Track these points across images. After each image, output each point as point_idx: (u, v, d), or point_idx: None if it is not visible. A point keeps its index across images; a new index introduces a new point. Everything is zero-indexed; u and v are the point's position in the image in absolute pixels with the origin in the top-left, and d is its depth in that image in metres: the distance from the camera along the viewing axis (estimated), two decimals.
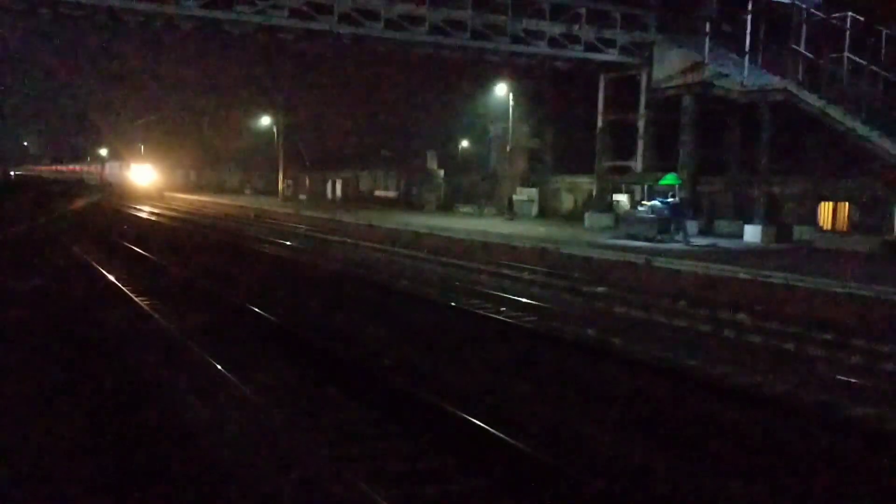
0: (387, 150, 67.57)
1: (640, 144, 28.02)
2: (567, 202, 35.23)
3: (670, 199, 24.49)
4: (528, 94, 36.44)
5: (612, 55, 27.50)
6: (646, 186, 26.49)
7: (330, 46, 28.31)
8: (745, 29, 25.28)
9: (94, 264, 18.58)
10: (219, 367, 8.97)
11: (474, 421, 7.01)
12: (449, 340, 11.61)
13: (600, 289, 16.70)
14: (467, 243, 25.04)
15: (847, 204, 24.58)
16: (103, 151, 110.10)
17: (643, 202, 25.86)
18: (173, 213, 44.73)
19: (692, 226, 25.53)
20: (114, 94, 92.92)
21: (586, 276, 18.55)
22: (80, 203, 50.68)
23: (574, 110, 36.24)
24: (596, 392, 8.96)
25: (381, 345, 10.99)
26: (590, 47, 27.17)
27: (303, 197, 54.75)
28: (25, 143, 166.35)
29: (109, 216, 40.08)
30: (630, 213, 26.25)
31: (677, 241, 23.65)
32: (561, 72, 30.37)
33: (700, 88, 26.14)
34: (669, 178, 24.86)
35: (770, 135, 24.26)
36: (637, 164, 28.25)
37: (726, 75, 26.09)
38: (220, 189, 71.12)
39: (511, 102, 32.19)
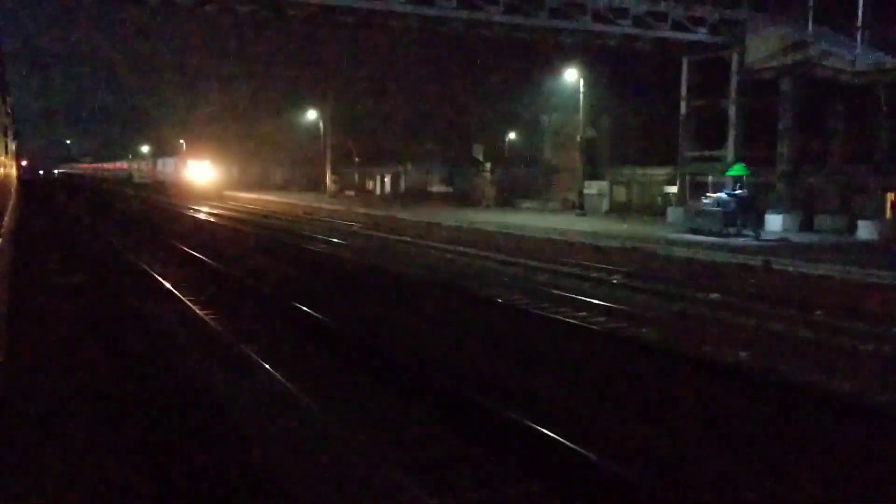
0: (433, 144, 65.81)
1: (732, 133, 25.59)
2: (638, 195, 32.86)
3: (738, 192, 23.20)
4: (598, 81, 34.07)
5: (700, 34, 25.17)
6: (730, 179, 24.39)
7: (392, 31, 26.35)
8: (854, 2, 22.77)
9: (178, 294, 16.89)
10: (316, 410, 7.07)
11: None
12: (575, 368, 9.59)
13: (722, 297, 14.52)
14: (546, 243, 23.01)
15: None
16: (145, 148, 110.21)
17: (707, 194, 24.41)
18: (237, 214, 40.75)
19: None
20: (164, 89, 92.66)
21: (703, 281, 16.36)
22: (139, 205, 47.79)
23: (643, 97, 33.98)
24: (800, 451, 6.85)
25: (492, 374, 9.01)
26: (677, 26, 24.89)
27: (350, 193, 53.02)
28: (67, 142, 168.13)
29: (182, 223, 34.83)
30: (693, 205, 24.98)
31: (746, 236, 22.02)
32: (634, 55, 28.17)
33: (803, 69, 23.68)
34: (736, 169, 23.57)
35: (891, 121, 21.75)
36: (728, 154, 25.85)
37: (830, 54, 23.63)
38: (266, 186, 69.25)
39: (582, 90, 29.81)
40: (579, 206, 30.17)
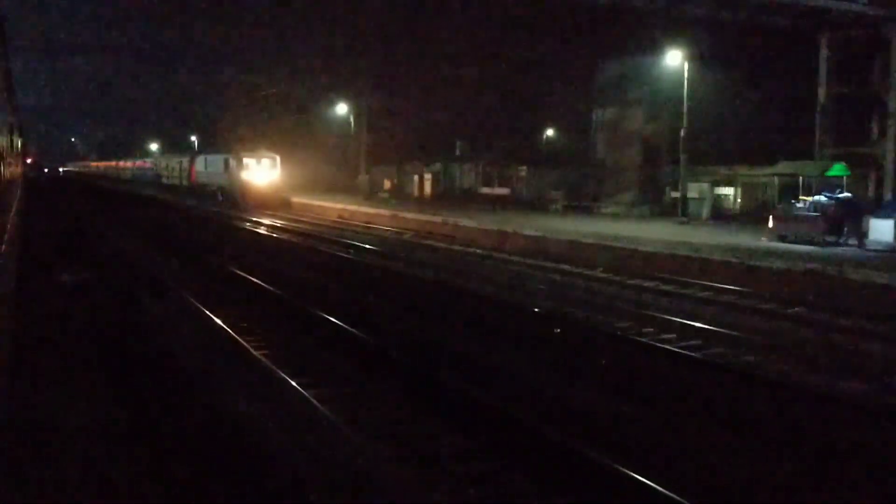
0: (464, 141, 61.65)
1: (894, 125, 21.41)
2: (745, 199, 28.58)
3: (840, 195, 21.14)
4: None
5: (857, 5, 21.01)
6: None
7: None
8: None
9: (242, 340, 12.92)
10: None
11: None
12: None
13: None
14: (665, 260, 18.91)
15: None
16: (154, 146, 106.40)
17: (801, 198, 22.13)
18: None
19: None
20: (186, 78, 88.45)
21: None
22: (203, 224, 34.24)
23: (738, 83, 29.84)
24: None
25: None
26: None
27: (383, 195, 49.00)
28: (73, 139, 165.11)
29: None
30: (784, 210, 22.43)
31: (849, 245, 20.06)
32: (723, 32, 24.07)
33: None
34: (837, 169, 21.79)
35: None
36: (891, 150, 21.68)
37: None
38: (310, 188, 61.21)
39: (685, 74, 25.59)
40: (682, 213, 25.98)
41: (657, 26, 27.07)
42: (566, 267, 19.82)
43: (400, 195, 48.80)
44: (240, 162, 44.19)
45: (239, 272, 16.98)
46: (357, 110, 50.58)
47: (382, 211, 36.57)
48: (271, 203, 41.91)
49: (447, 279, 17.80)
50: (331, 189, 53.45)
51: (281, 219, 36.66)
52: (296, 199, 44.69)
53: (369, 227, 33.06)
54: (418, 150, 55.47)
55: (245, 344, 10.20)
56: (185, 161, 58.79)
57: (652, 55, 42.90)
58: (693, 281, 16.94)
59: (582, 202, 36.38)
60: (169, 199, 53.22)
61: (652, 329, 12.34)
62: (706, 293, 15.68)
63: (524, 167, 45.72)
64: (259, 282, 15.55)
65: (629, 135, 45.11)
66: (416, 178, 50.24)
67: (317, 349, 10.54)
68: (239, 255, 20.23)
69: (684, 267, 18.53)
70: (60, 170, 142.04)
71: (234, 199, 44.09)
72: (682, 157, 25.62)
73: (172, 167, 63.69)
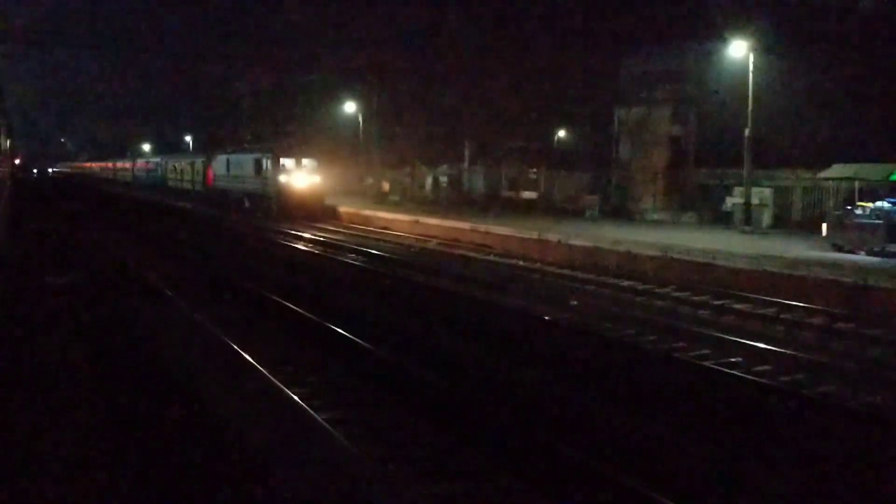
0: (471, 140, 59.30)
1: None
2: (804, 204, 26.41)
3: None
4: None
5: None
6: None
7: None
8: None
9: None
10: None
11: None
12: None
13: None
14: (755, 277, 16.74)
15: None
16: (146, 146, 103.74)
17: (860, 203, 20.53)
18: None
19: None
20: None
21: None
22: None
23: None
24: None
25: None
26: None
27: (395, 198, 46.67)
28: (63, 140, 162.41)
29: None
30: (837, 217, 20.84)
31: None
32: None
33: None
34: None
35: None
36: None
37: None
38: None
39: (751, 67, 23.35)
40: (746, 221, 23.75)
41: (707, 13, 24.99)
42: (629, 283, 17.73)
43: (413, 199, 46.51)
44: (277, 164, 37.61)
45: (297, 309, 14.66)
46: (366, 107, 48.30)
47: (401, 216, 34.27)
48: (313, 212, 36.50)
49: (514, 304, 15.62)
50: (334, 192, 50.92)
51: (324, 231, 32.07)
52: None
53: (385, 233, 30.84)
54: (430, 153, 53.18)
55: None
56: (199, 162, 51.77)
57: (690, 48, 41.09)
58: (802, 304, 14.78)
59: (617, 207, 34.13)
60: (183, 206, 46.48)
61: (802, 376, 10.19)
62: (844, 324, 13.42)
63: (542, 170, 43.45)
64: (318, 320, 13.33)
65: (657, 136, 43.10)
66: (429, 180, 47.92)
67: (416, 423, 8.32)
68: (297, 287, 16.28)
69: (775, 285, 16.37)
70: (49, 170, 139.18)
71: (266, 208, 38.26)
72: (747, 157, 23.44)
73: (182, 169, 56.80)
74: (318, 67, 57.14)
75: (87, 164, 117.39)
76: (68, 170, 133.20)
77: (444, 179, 46.84)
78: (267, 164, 38.53)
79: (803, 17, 23.29)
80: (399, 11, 52.27)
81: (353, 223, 35.68)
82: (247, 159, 41.68)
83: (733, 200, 25.76)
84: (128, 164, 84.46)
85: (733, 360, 10.97)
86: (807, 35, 24.40)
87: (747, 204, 23.59)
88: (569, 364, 10.60)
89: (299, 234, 29.94)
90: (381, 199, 45.23)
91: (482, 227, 27.85)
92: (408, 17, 53.02)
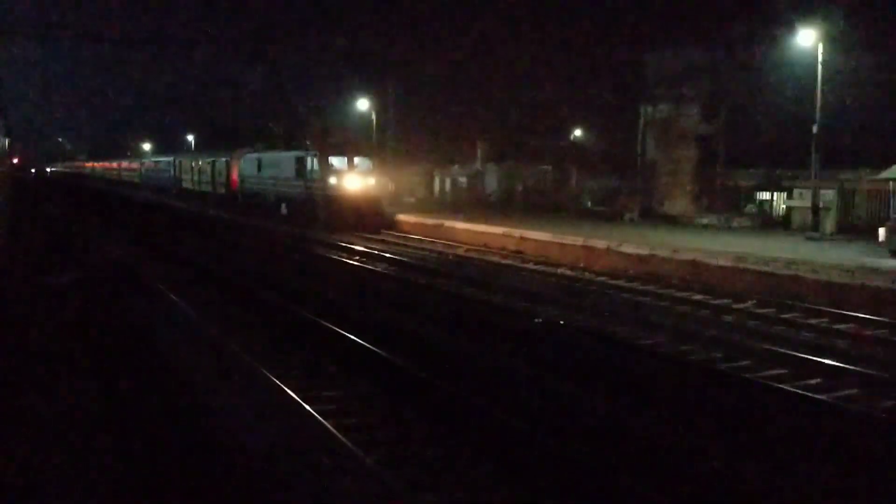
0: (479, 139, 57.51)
1: None
2: (872, 208, 24.41)
3: None
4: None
5: None
6: None
7: None
8: None
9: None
10: None
11: None
12: None
13: None
14: (867, 294, 14.87)
15: None
16: (147, 146, 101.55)
17: None
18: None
19: None
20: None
21: None
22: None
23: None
24: None
25: None
26: None
27: (410, 199, 44.75)
28: (60, 139, 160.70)
29: None
30: None
31: None
32: None
33: None
34: None
35: None
36: None
37: None
38: None
39: (819, 57, 21.43)
40: (812, 226, 21.86)
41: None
42: (699, 297, 15.92)
43: (426, 201, 44.57)
44: (326, 164, 32.26)
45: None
46: (380, 103, 46.47)
47: (427, 220, 32.16)
48: (369, 221, 31.39)
49: (585, 323, 13.76)
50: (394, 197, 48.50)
51: (385, 243, 28.03)
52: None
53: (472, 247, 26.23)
54: (444, 152, 51.33)
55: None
56: (221, 161, 46.08)
57: (721, 40, 39.28)
58: None
59: (653, 209, 32.30)
60: (211, 213, 40.65)
61: None
62: None
63: (572, 171, 41.65)
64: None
65: (683, 135, 41.36)
66: (447, 181, 46.02)
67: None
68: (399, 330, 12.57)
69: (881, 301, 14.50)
70: (48, 170, 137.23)
71: (310, 215, 32.89)
72: (815, 156, 21.56)
73: (201, 169, 50.47)
74: (330, 58, 55.18)
75: (89, 164, 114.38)
76: (68, 170, 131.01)
77: (462, 180, 44.88)
78: (313, 163, 32.98)
79: (866, 5, 21.52)
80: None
81: (413, 233, 30.80)
82: (285, 158, 36.24)
83: (792, 203, 23.89)
84: (135, 165, 78.45)
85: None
86: (874, 25, 22.54)
87: (815, 208, 21.71)
88: (667, 399, 8.81)
89: (365, 248, 25.28)
90: (393, 201, 43.27)
91: (516, 233, 25.99)
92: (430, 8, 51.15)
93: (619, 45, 48.31)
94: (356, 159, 32.76)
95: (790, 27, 22.99)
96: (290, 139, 44.21)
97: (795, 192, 24.27)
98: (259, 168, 39.18)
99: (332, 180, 31.82)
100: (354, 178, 32.02)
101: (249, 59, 67.18)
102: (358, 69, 51.74)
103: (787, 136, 30.06)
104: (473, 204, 40.64)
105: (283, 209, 35.69)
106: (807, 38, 21.75)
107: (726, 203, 31.61)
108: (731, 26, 35.11)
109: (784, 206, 24.98)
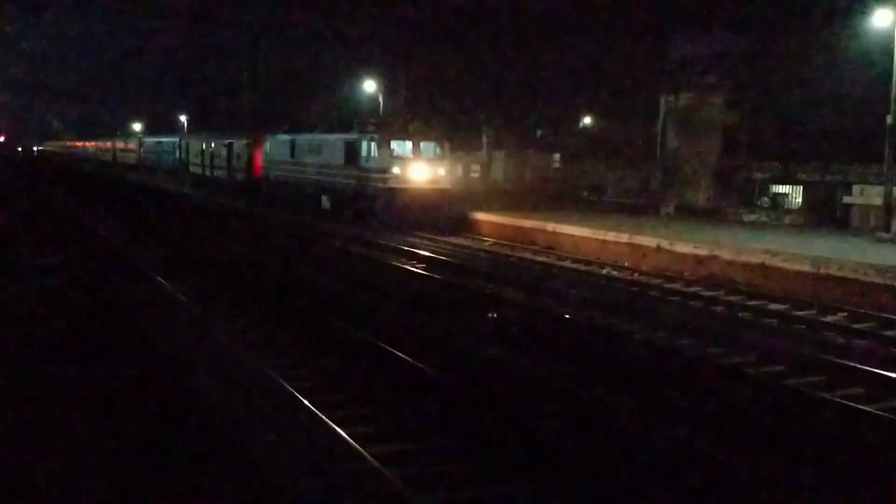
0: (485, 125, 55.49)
1: None
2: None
3: None
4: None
5: None
6: None
7: None
8: None
9: None
10: None
11: None
12: None
13: None
14: None
15: None
16: (137, 126, 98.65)
17: None
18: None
19: None
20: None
21: None
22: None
23: None
24: None
25: None
26: None
27: None
28: (48, 118, 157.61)
29: None
30: None
31: None
32: None
33: None
34: None
35: None
36: None
37: None
38: None
39: None
40: (883, 227, 19.87)
41: None
42: (778, 306, 13.94)
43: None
44: (387, 149, 26.60)
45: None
46: (388, 85, 44.31)
47: (517, 221, 28.44)
48: (441, 218, 26.67)
49: (648, 335, 11.70)
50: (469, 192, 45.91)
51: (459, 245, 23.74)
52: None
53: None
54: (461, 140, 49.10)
55: None
56: (242, 144, 39.09)
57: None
58: None
59: (689, 203, 30.34)
60: (236, 206, 33.90)
61: None
62: None
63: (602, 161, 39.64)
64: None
65: (707, 125, 39.52)
66: (459, 168, 43.80)
67: None
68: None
69: None
70: (35, 149, 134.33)
71: (364, 211, 27.71)
72: (889, 150, 19.55)
73: (213, 152, 43.49)
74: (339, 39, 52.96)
75: (80, 143, 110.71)
76: (56, 150, 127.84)
77: (475, 168, 42.75)
78: (370, 148, 27.03)
79: None
80: None
81: (492, 236, 25.74)
82: (331, 141, 29.93)
83: (853, 201, 21.97)
84: (132, 145, 71.21)
85: None
86: None
87: (889, 206, 19.72)
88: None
89: (455, 260, 19.74)
90: None
91: (549, 227, 23.94)
92: None
93: (641, 30, 46.07)
94: (423, 143, 27.26)
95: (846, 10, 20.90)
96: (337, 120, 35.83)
97: (855, 188, 22.30)
98: (293, 152, 32.98)
99: (396, 170, 26.34)
100: (423, 168, 26.66)
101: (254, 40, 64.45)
102: (367, 49, 49.38)
103: (843, 127, 28.01)
104: (487, 194, 38.51)
105: (325, 202, 30.14)
106: (884, 19, 19.66)
107: (745, 195, 29.60)
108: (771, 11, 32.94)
109: (843, 203, 22.96)
